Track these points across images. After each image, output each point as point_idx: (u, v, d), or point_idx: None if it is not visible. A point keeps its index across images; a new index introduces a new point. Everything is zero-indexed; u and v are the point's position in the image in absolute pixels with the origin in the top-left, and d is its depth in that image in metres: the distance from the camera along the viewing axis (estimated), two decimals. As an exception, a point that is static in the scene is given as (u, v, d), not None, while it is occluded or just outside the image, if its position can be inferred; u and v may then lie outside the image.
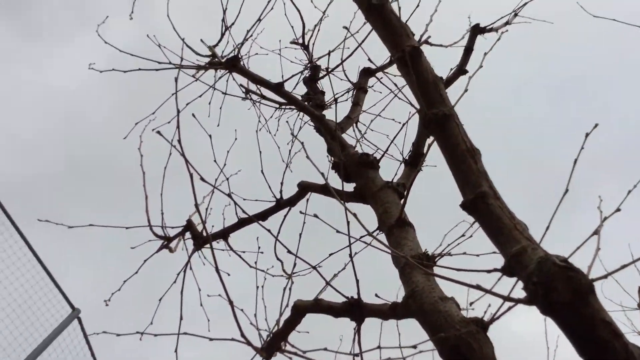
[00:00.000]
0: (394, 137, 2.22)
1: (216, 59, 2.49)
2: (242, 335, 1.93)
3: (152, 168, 2.75)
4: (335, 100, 2.99)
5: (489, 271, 1.43)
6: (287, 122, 2.90)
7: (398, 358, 2.04)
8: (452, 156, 1.52)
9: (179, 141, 1.86)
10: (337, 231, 1.53)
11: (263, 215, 2.49)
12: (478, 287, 1.33)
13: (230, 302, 1.91)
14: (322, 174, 1.65)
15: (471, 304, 1.41)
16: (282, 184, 2.47)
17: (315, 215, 1.63)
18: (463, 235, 1.93)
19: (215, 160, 2.10)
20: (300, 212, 1.94)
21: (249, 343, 1.95)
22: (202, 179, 1.81)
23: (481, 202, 1.45)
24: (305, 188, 2.33)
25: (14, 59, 9.48)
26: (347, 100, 3.10)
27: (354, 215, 1.47)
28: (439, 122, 1.54)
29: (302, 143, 1.77)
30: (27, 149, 9.41)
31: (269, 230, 2.06)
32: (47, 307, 6.06)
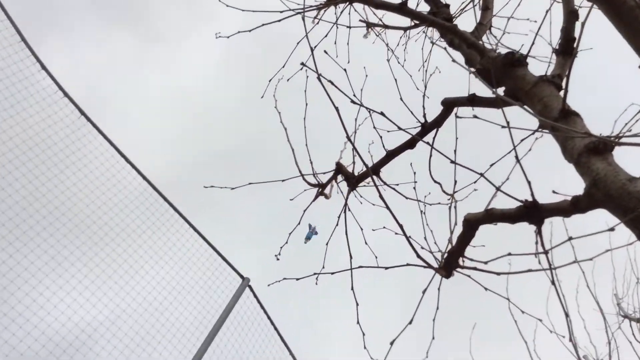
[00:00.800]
0: (538, 29, 2.04)
1: (334, -5, 2.46)
2: (419, 256, 1.92)
3: (292, 123, 2.81)
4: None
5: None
6: (424, 32, 2.78)
7: (585, 259, 1.92)
8: (621, 17, 1.36)
9: (319, 77, 1.85)
10: (503, 127, 1.44)
11: (410, 143, 2.44)
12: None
13: (401, 227, 1.90)
14: (473, 72, 1.55)
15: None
16: (424, 107, 2.38)
17: (475, 116, 1.55)
18: (641, 111, 1.74)
19: (354, 95, 2.07)
20: (457, 116, 1.85)
21: (427, 264, 1.93)
22: (352, 101, 1.79)
23: (665, 57, 1.29)
24: (450, 104, 2.23)
25: (141, 64, 10.17)
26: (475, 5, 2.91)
27: (520, 104, 1.36)
28: (598, -18, 1.38)
29: (445, 49, 1.68)
30: (171, 144, 10.12)
31: (427, 143, 2.00)
32: (220, 280, 6.55)
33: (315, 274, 2.35)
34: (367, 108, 1.84)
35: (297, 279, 2.34)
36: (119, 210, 5.67)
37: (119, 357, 5.30)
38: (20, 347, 4.73)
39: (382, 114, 1.72)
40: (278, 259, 2.88)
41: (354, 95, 2.15)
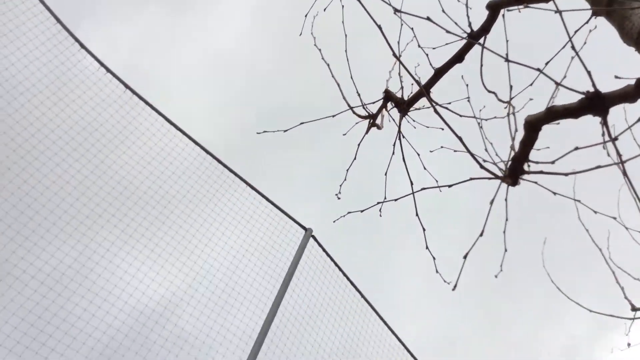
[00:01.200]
0: None
1: None
2: (482, 167, 1.88)
3: (334, 61, 2.77)
4: None
5: None
6: None
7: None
8: None
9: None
10: (555, 12, 1.36)
11: (459, 56, 2.36)
12: None
13: (460, 139, 1.85)
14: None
15: None
16: (468, 16, 2.28)
17: (527, 5, 1.47)
18: None
19: (395, 12, 2.00)
20: (507, 11, 1.77)
21: (492, 174, 1.89)
22: (395, 10, 1.73)
23: None
24: (496, 7, 2.12)
25: (176, 34, 10.22)
26: None
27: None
28: None
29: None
30: (218, 109, 10.23)
31: (479, 43, 1.92)
32: (284, 233, 6.66)
33: (378, 202, 2.35)
34: (410, 17, 1.78)
35: (362, 211, 2.35)
36: (177, 178, 5.80)
37: (200, 317, 5.51)
38: (106, 319, 4.98)
39: (428, 18, 1.66)
40: (339, 198, 2.89)
41: (395, 12, 2.08)
